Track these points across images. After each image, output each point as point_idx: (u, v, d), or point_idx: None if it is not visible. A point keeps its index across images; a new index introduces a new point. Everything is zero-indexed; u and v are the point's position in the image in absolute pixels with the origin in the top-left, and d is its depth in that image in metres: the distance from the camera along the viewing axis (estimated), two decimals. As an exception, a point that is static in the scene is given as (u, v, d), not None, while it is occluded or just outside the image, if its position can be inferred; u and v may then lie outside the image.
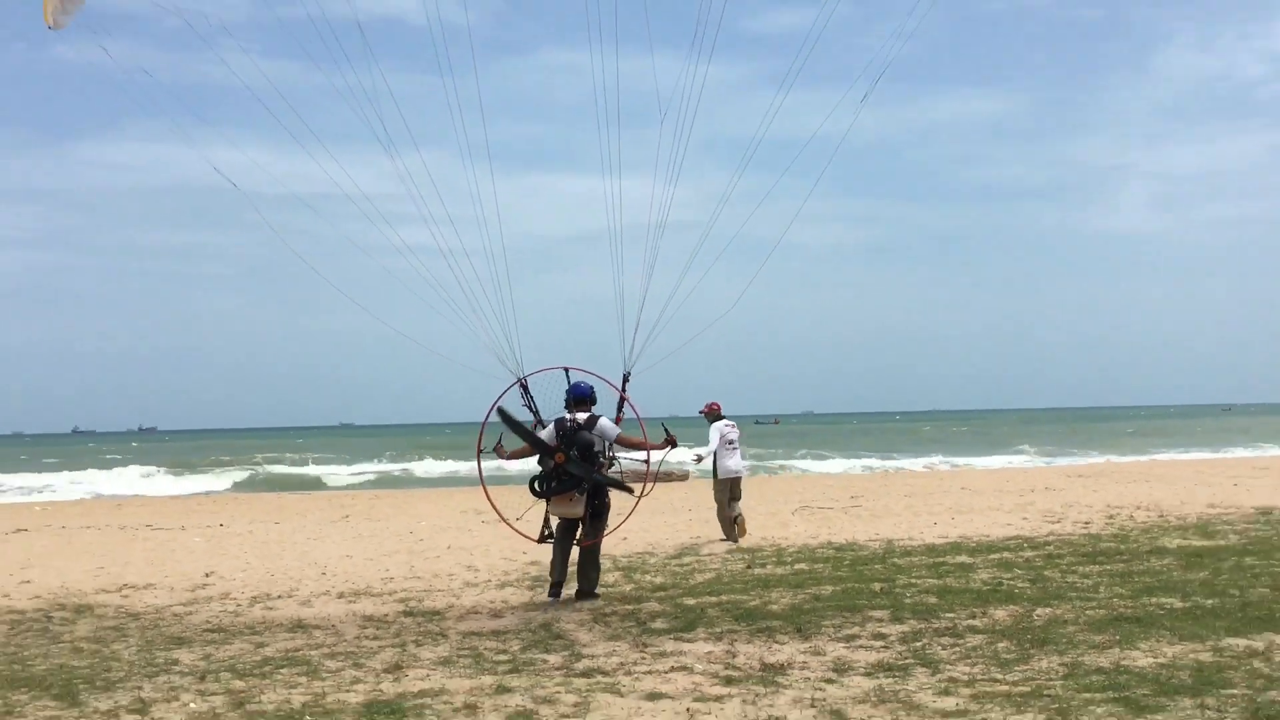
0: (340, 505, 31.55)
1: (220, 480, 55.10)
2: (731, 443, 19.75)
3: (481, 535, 21.28)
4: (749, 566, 15.75)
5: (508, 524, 14.06)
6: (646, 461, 14.56)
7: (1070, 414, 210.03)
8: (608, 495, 13.75)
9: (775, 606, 12.36)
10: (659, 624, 11.63)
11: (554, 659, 10.10)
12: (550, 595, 13.60)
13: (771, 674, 9.34)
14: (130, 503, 37.32)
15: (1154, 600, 12.03)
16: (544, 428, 13.62)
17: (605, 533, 13.91)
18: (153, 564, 18.00)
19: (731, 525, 19.26)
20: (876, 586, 13.48)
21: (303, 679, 9.48)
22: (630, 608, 12.62)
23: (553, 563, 13.72)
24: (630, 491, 13.79)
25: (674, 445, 13.82)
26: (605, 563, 15.09)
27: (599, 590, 13.79)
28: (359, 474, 57.77)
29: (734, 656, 10.04)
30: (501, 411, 13.41)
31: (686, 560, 16.74)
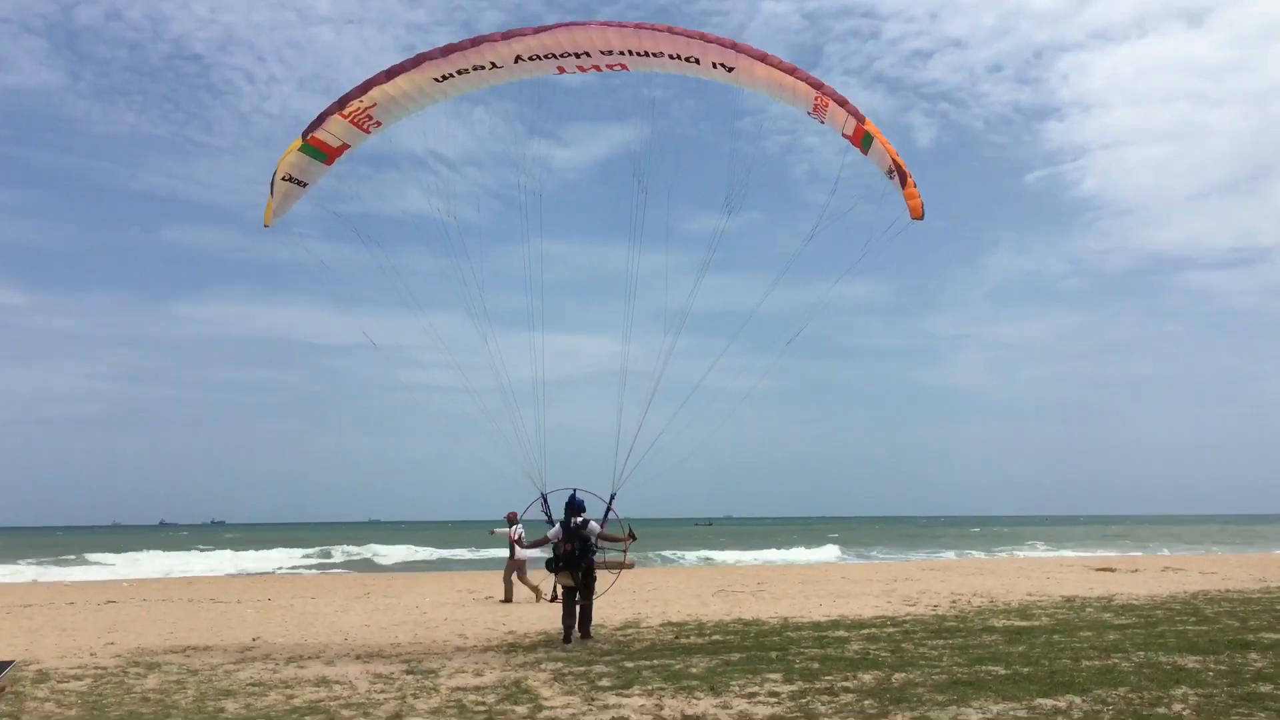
0: (364, 585, 30.81)
1: (272, 561, 53.73)
2: (523, 537, 21.98)
3: (472, 610, 20.81)
4: (676, 637, 15.47)
5: (529, 587, 18.23)
6: (625, 550, 16.36)
7: (927, 520, 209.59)
8: (594, 571, 15.52)
9: (695, 669, 12.11)
10: (604, 682, 11.36)
11: (521, 709, 9.85)
12: (564, 640, 15.16)
13: (690, 723, 9.14)
14: (198, 580, 36.22)
15: (984, 668, 11.91)
16: (552, 526, 15.47)
17: (595, 597, 15.65)
18: (212, 630, 17.46)
19: (531, 588, 22.52)
20: (773, 654, 13.27)
21: (323, 724, 9.18)
22: (583, 669, 12.33)
23: (563, 618, 15.39)
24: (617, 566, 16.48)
25: (634, 538, 15.79)
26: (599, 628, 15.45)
27: (593, 633, 15.49)
28: (389, 558, 56.45)
29: (661, 709, 9.83)
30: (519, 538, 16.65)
31: (629, 632, 16.42)
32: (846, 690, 10.58)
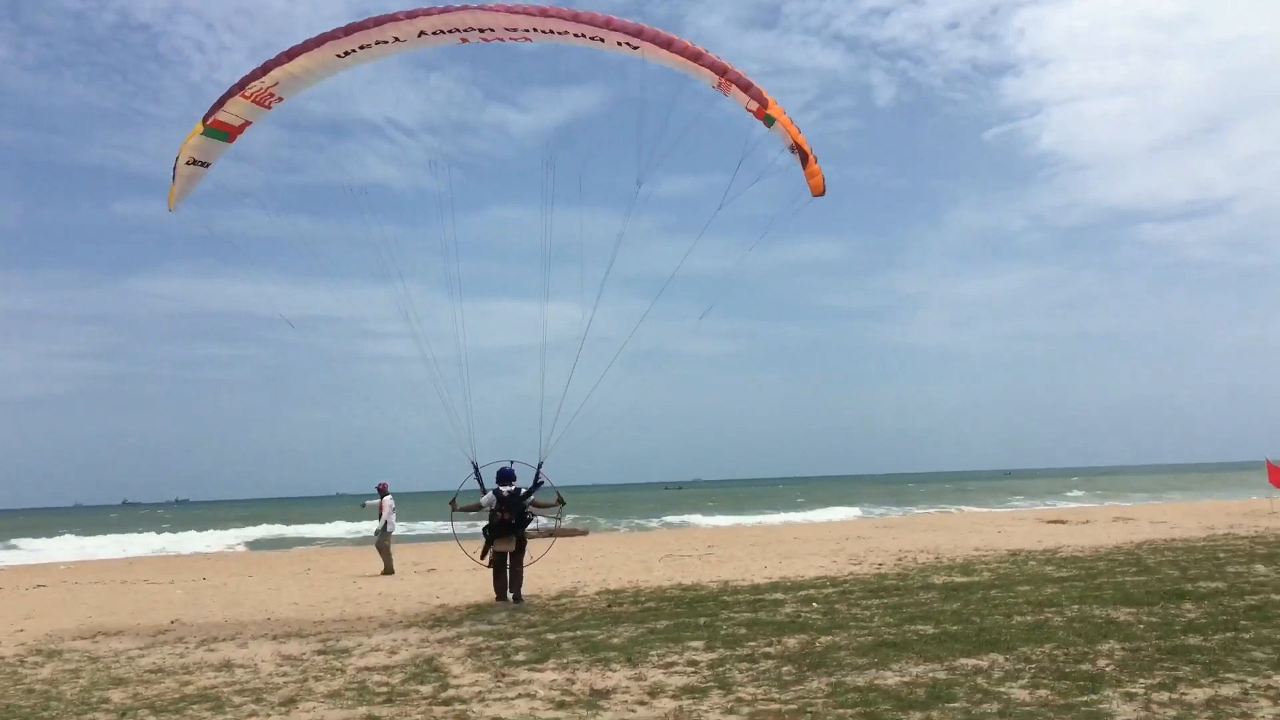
0: (307, 560, 30.23)
1: (224, 540, 52.93)
2: (394, 510, 23.38)
3: (409, 583, 20.34)
4: (610, 605, 15.09)
5: (465, 552, 17.57)
6: (558, 516, 17.37)
7: (890, 478, 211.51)
8: (525, 539, 16.28)
9: (616, 639, 11.73)
10: (520, 656, 10.95)
11: (426, 689, 9.41)
12: (498, 600, 16.21)
13: (597, 698, 8.75)
14: (141, 561, 35.43)
15: (913, 628, 11.63)
16: (485, 494, 16.07)
17: (526, 563, 16.48)
18: (133, 613, 16.87)
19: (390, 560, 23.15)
20: (701, 620, 12.92)
21: (206, 713, 8.69)
22: (501, 643, 11.91)
23: (495, 582, 16.39)
24: (552, 515, 17.07)
25: (563, 503, 16.66)
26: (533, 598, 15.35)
27: (525, 599, 16.18)
28: (331, 533, 55.68)
29: (572, 684, 9.43)
30: (453, 504, 16.37)
31: (563, 601, 16.02)
32: (768, 656, 10.24)
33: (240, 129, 14.84)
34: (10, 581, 25.34)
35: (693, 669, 9.80)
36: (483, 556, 16.51)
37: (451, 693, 9.19)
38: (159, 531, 63.46)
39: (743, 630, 11.97)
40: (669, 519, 59.52)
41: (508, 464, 16.43)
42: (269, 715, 8.55)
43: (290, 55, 14.26)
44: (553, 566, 22.72)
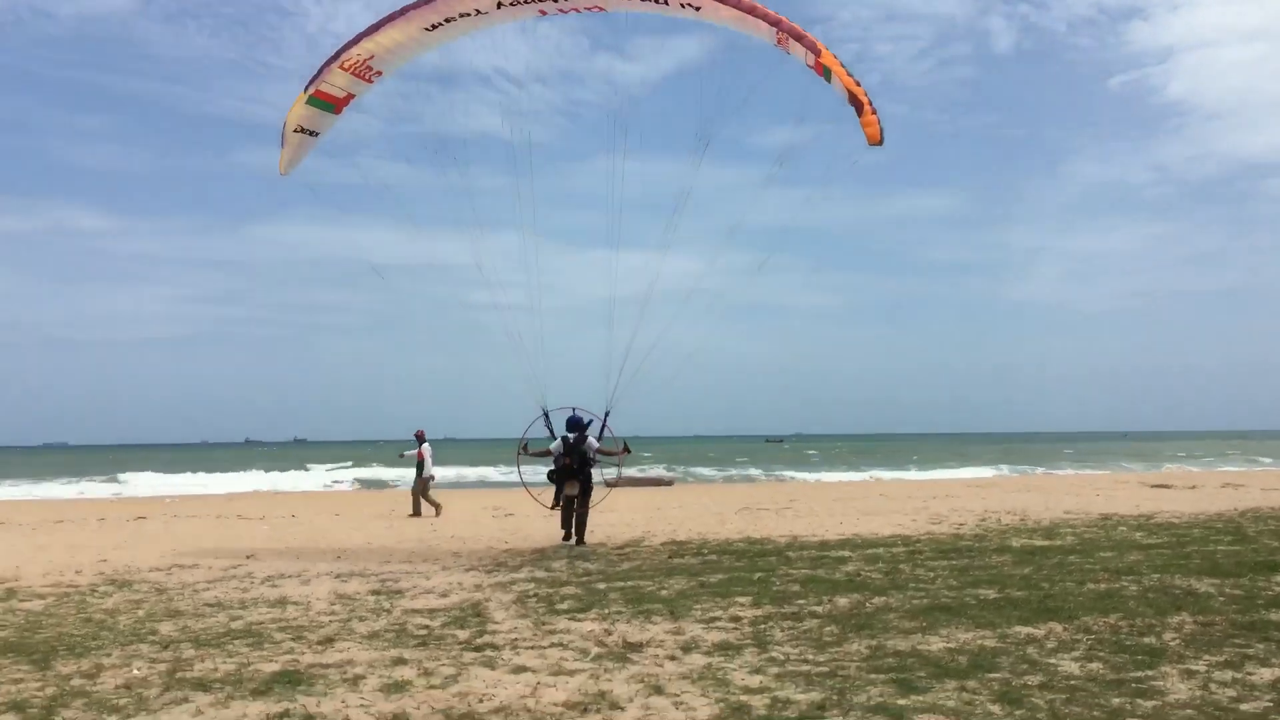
0: (395, 502, 30.71)
1: (326, 479, 54.62)
2: (431, 456, 24.39)
3: (483, 528, 20.52)
4: (670, 556, 14.93)
5: (533, 496, 18.16)
6: (619, 463, 17.95)
7: (997, 437, 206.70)
8: (590, 482, 17.13)
9: (665, 592, 11.55)
10: (565, 605, 10.86)
11: (463, 634, 9.38)
12: (564, 540, 17.01)
13: (628, 651, 8.58)
14: (242, 497, 36.69)
15: (974, 592, 11.16)
16: (554, 441, 16.82)
17: (593, 505, 17.36)
18: (215, 547, 17.37)
19: (432, 504, 23.96)
20: (757, 576, 12.65)
21: (245, 649, 8.80)
22: (551, 591, 11.84)
23: (562, 522, 17.18)
24: (615, 463, 17.81)
25: (628, 452, 17.24)
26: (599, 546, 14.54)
27: (589, 546, 16.72)
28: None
29: (609, 635, 9.28)
30: (524, 449, 17.16)
31: (626, 550, 15.93)
32: (814, 615, 9.93)
33: (345, 101, 15.48)
34: (116, 512, 26.48)
35: (734, 625, 9.55)
36: (554, 504, 17.34)
37: (487, 639, 9.13)
38: (266, 470, 65.80)
39: (796, 587, 11.66)
40: (753, 472, 59.17)
41: (576, 412, 16.99)
42: (303, 653, 8.61)
43: (378, 26, 14.81)
44: (626, 515, 22.72)
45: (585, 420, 17.03)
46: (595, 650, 8.64)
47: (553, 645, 8.87)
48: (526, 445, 17.36)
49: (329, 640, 9.16)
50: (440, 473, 28.89)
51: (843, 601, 10.66)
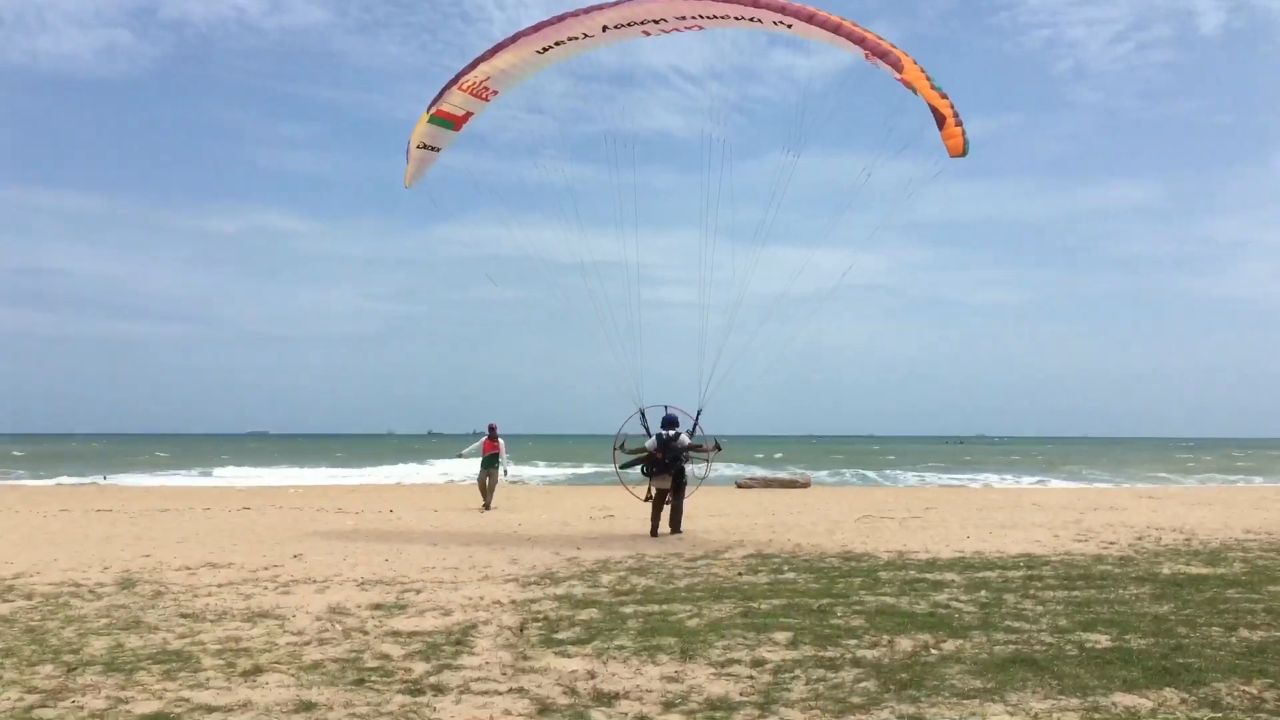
0: (516, 496, 29.69)
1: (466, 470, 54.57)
2: (507, 452, 24.32)
3: (579, 528, 19.03)
4: (742, 574, 12.97)
5: (629, 490, 19.21)
6: (707, 459, 18.39)
7: (1190, 443, 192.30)
8: (684, 477, 17.86)
9: (696, 621, 9.67)
10: (568, 633, 9.14)
11: (420, 669, 7.84)
12: (652, 534, 17.60)
13: (595, 704, 6.81)
14: (361, 490, 36.47)
15: (1083, 637, 8.81)
16: (650, 438, 17.71)
17: (686, 497, 18.11)
18: (275, 543, 16.48)
19: (485, 497, 24.07)
20: (821, 603, 10.57)
21: (150, 679, 7.47)
22: (567, 613, 10.13)
23: (653, 517, 17.82)
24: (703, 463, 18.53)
25: (719, 449, 18.03)
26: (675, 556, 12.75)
27: (683, 530, 17.93)
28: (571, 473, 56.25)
29: (592, 678, 7.52)
30: (622, 447, 18.07)
31: (699, 563, 14.06)
32: (858, 664, 7.87)
33: (464, 119, 16.61)
34: (237, 502, 26.33)
35: (750, 673, 7.62)
36: (646, 496, 17.99)
37: (442, 678, 7.54)
38: (421, 462, 66.78)
39: (859, 621, 9.56)
40: (910, 475, 55.76)
41: (669, 410, 17.77)
42: (208, 687, 7.22)
43: (494, 52, 15.85)
44: (736, 519, 21.05)
45: (679, 418, 17.74)
46: (559, 700, 6.89)
47: (511, 691, 7.18)
48: (624, 444, 18.10)
49: (256, 671, 7.73)
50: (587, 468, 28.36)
51: (905, 645, 8.53)
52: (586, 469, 59.77)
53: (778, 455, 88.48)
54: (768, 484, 35.06)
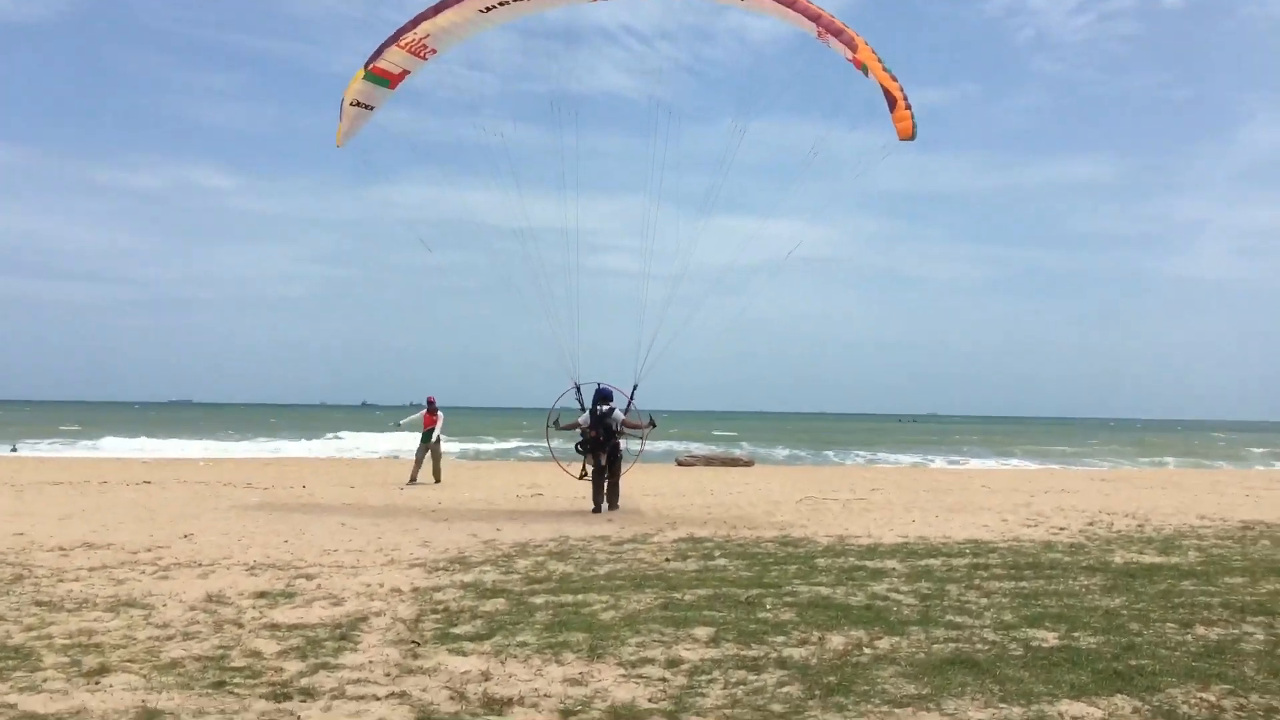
0: (463, 473, 28.92)
1: (404, 444, 53.65)
2: (443, 426, 24.74)
3: (504, 506, 18.40)
4: (668, 559, 12.46)
5: (561, 467, 19.20)
6: (643, 436, 18.43)
7: (1142, 424, 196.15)
8: (619, 452, 18.06)
9: (612, 613, 9.11)
10: (467, 627, 8.53)
11: (292, 669, 7.19)
12: (594, 510, 17.78)
13: (483, 712, 6.22)
14: (285, 463, 35.46)
15: (1029, 634, 8.39)
16: (584, 413, 17.83)
17: (622, 474, 18.27)
18: (168, 520, 15.66)
19: (435, 472, 24.49)
20: (750, 594, 10.07)
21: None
22: (471, 603, 9.53)
23: (594, 494, 17.99)
24: (637, 443, 18.65)
25: (654, 426, 17.96)
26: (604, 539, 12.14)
27: (620, 505, 18.17)
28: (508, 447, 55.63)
29: (486, 680, 6.94)
30: (555, 423, 18.26)
31: (625, 546, 13.53)
32: (782, 664, 7.37)
33: (400, 77, 16.47)
34: (139, 475, 25.29)
35: (662, 676, 7.08)
36: (580, 474, 18.14)
37: (315, 679, 6.90)
38: (352, 432, 65.59)
39: (789, 615, 9.06)
40: (859, 455, 55.85)
41: (603, 385, 17.83)
42: (37, 690, 6.51)
43: (436, 10, 15.68)
44: (673, 499, 20.69)
45: (612, 393, 17.88)
46: (443, 708, 6.30)
47: (391, 695, 6.57)
48: (559, 419, 18.26)
49: (102, 670, 7.04)
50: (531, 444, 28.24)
51: (836, 642, 8.04)
52: (515, 443, 59.24)
53: (726, 432, 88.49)
54: (709, 462, 34.66)
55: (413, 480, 24.17)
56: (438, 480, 24.37)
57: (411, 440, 27.78)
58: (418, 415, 24.81)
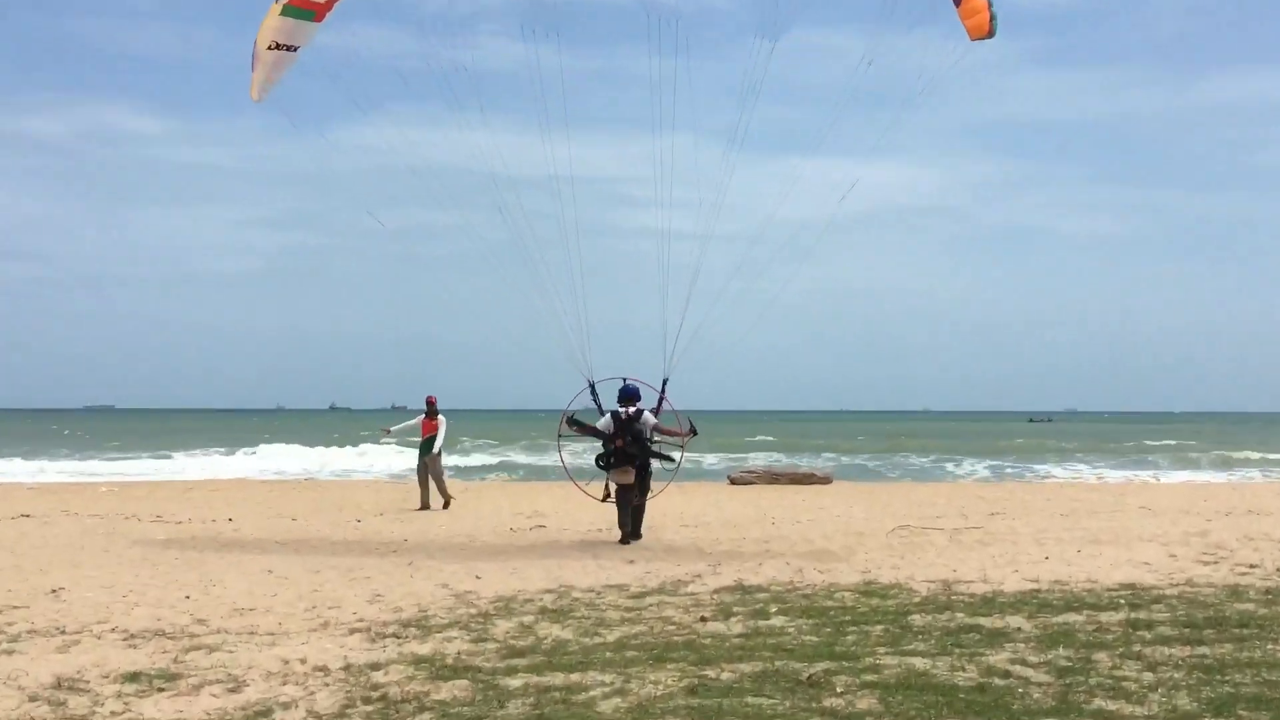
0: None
1: (386, 464, 53.69)
2: (445, 433, 25.02)
3: (491, 540, 17.84)
4: (708, 619, 11.73)
5: (579, 487, 18.95)
6: (682, 446, 18.51)
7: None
8: (650, 470, 18.02)
9: (614, 702, 8.34)
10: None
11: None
12: (621, 542, 17.97)
13: None
14: (239, 485, 35.27)
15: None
16: (603, 417, 17.89)
17: (651, 496, 18.45)
18: (46, 563, 15.17)
19: (444, 495, 24.96)
20: (813, 671, 9.26)
21: None
22: (422, 690, 8.80)
23: (620, 519, 18.20)
24: (671, 460, 18.21)
25: (695, 434, 18.29)
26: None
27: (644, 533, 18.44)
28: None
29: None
30: (574, 420, 18.01)
31: (649, 601, 12.83)
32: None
33: (328, 6, 16.47)
34: (23, 505, 25.01)
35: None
36: (604, 496, 18.36)
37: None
38: (328, 445, 65.45)
39: (866, 702, 8.23)
40: (975, 467, 54.96)
41: (628, 381, 18.00)
42: None
43: None
44: (717, 532, 20.42)
45: (639, 391, 17.99)
46: None
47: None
48: (572, 419, 18.18)
49: None
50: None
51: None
52: (517, 456, 59.24)
53: (791, 439, 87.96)
54: (773, 479, 34.19)
55: (424, 506, 24.68)
56: (446, 505, 24.79)
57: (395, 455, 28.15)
58: (413, 421, 25.03)
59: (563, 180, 17.56)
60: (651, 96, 16.49)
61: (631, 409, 17.83)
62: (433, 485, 24.84)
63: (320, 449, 61.34)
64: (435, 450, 24.57)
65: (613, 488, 18.23)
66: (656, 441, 18.07)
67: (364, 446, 60.91)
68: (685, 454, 19.07)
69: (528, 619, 11.77)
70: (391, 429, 26.47)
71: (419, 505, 24.81)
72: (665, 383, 18.05)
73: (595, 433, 17.93)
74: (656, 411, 18.13)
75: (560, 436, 18.53)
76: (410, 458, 34.35)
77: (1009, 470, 51.42)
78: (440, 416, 24.61)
